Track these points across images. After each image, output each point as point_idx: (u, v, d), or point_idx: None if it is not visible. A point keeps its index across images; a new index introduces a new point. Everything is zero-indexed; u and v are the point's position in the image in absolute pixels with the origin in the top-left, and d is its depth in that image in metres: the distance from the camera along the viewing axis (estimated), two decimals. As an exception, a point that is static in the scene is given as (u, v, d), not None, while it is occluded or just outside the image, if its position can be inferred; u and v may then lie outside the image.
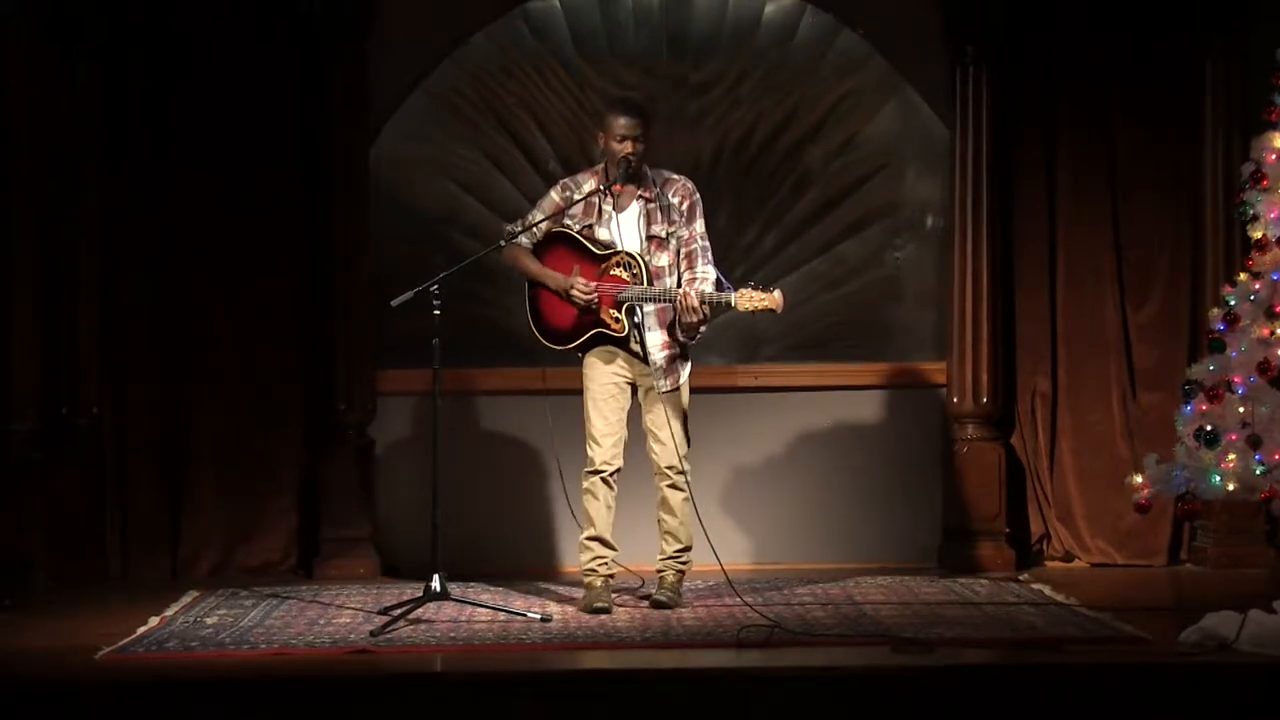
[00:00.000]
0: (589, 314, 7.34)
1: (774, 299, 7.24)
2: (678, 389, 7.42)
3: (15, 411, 8.04)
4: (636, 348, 7.35)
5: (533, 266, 7.43)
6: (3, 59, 8.09)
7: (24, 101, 8.11)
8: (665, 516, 7.46)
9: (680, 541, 7.46)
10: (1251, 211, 7.40)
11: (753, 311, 7.26)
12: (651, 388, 7.39)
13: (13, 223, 8.07)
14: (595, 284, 7.31)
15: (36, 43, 8.14)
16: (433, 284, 7.20)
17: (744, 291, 7.25)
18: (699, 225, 7.44)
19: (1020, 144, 8.62)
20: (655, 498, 7.47)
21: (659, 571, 7.50)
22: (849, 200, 8.78)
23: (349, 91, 8.49)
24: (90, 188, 8.36)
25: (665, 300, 7.29)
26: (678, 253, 7.40)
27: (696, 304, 7.23)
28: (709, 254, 7.43)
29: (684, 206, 7.42)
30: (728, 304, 7.27)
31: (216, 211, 8.47)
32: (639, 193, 7.41)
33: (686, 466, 7.41)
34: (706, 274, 7.40)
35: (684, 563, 7.49)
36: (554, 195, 7.48)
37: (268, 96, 8.48)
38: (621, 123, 7.34)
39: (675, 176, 7.50)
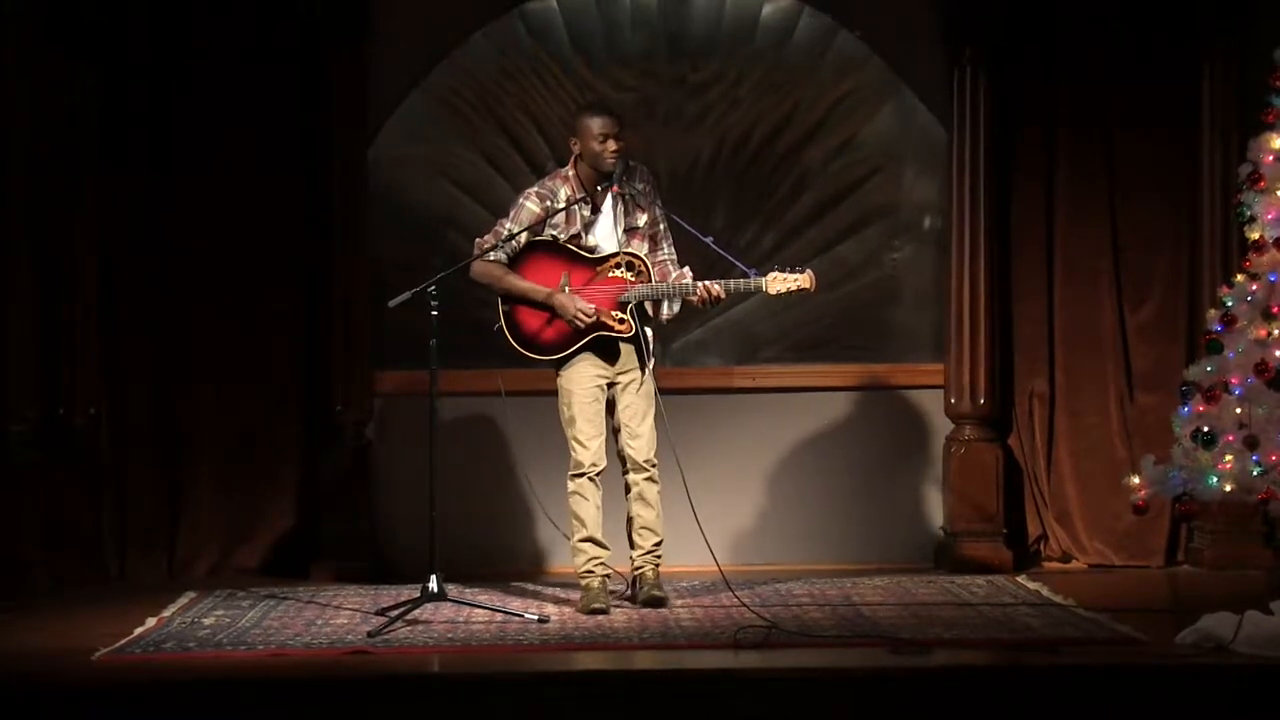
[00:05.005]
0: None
1: (807, 278, 7.25)
2: (653, 377, 7.41)
3: (13, 411, 8.03)
4: (639, 344, 7.34)
5: (519, 283, 7.33)
6: (3, 59, 8.08)
7: (24, 101, 8.11)
8: (642, 511, 7.42)
9: (657, 535, 7.43)
10: (1249, 213, 7.41)
11: (785, 294, 7.25)
12: (630, 382, 7.37)
13: (12, 222, 8.06)
14: (592, 290, 7.28)
15: (37, 43, 8.15)
16: (430, 285, 7.20)
17: (774, 275, 7.25)
18: (660, 207, 7.45)
19: (1018, 145, 8.62)
20: (628, 494, 7.42)
21: (637, 569, 7.47)
22: (847, 201, 8.78)
23: (348, 92, 8.49)
24: (90, 188, 8.36)
25: (682, 294, 7.29)
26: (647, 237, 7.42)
27: (722, 295, 7.23)
28: (670, 234, 7.47)
29: (648, 190, 7.43)
30: (758, 290, 7.26)
31: (215, 211, 8.47)
32: (611, 188, 7.39)
33: (656, 460, 7.41)
34: (672, 254, 7.44)
35: (659, 556, 7.47)
36: (531, 206, 7.38)
37: (267, 96, 8.48)
38: (602, 121, 7.32)
39: (632, 164, 7.47)
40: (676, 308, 7.40)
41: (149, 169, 8.46)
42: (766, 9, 8.72)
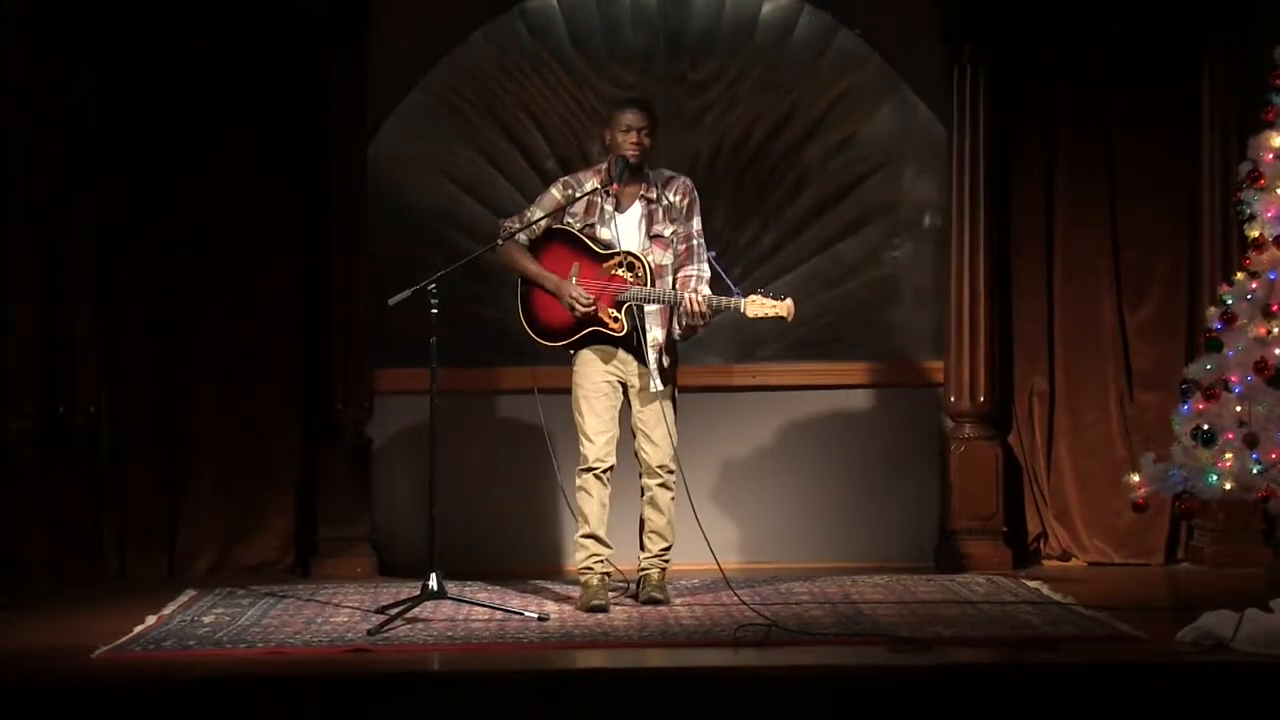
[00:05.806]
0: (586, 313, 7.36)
1: (785, 307, 7.25)
2: (670, 387, 7.42)
3: (13, 410, 8.02)
4: (635, 347, 7.36)
5: (530, 266, 7.44)
6: (3, 59, 8.08)
7: (24, 101, 8.10)
8: (653, 515, 7.46)
9: (666, 540, 7.48)
10: (1249, 211, 7.41)
11: (762, 318, 7.27)
12: (644, 387, 7.40)
13: (11, 222, 8.06)
14: (595, 284, 7.32)
15: (37, 43, 8.14)
16: (430, 283, 7.21)
17: (754, 298, 7.26)
18: (696, 222, 7.49)
19: (1018, 144, 8.62)
20: (642, 497, 7.47)
21: (643, 570, 7.51)
22: (847, 199, 8.79)
23: (347, 91, 8.49)
24: (90, 188, 8.36)
25: (669, 302, 7.31)
26: (676, 250, 7.44)
27: (705, 309, 7.25)
28: (704, 251, 7.48)
29: (684, 204, 7.46)
30: (737, 309, 7.28)
31: (215, 210, 8.47)
32: (641, 192, 7.44)
33: (674, 466, 7.42)
34: (702, 271, 7.45)
35: (667, 560, 7.51)
36: (554, 193, 7.49)
37: (267, 96, 8.49)
38: (629, 115, 7.38)
39: (675, 175, 7.54)
40: (691, 335, 7.45)
41: (149, 169, 8.47)
42: (766, 7, 8.72)
